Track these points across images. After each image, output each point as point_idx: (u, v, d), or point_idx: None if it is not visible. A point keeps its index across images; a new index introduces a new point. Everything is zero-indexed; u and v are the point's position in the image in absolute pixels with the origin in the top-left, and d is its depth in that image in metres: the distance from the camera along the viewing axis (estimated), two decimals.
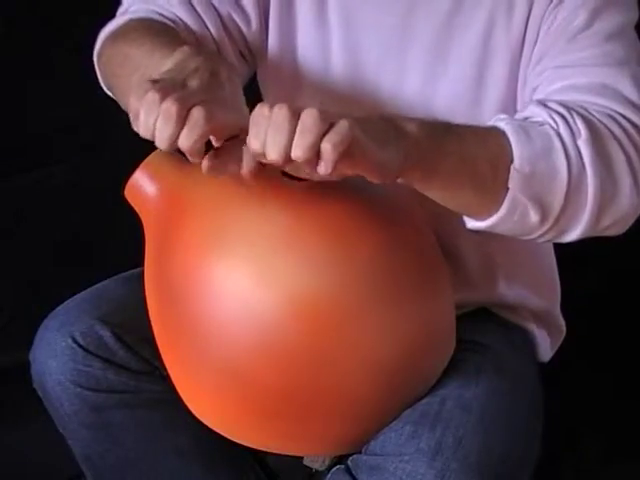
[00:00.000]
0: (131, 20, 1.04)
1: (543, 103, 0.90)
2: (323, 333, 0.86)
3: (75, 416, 1.05)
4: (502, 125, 0.88)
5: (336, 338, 0.86)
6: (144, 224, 0.99)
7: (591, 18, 0.95)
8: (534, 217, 0.88)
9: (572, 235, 0.91)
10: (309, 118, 0.77)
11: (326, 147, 0.77)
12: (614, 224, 0.91)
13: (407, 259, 0.89)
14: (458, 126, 0.87)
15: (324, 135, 0.77)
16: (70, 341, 1.02)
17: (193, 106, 0.80)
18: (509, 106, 1.02)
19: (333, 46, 1.06)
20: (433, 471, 0.86)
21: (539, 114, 0.89)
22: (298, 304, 0.85)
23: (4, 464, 1.41)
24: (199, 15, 1.06)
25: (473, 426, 0.90)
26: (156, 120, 0.80)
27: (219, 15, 1.07)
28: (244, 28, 1.08)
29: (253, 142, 0.79)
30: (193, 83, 0.83)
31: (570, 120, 0.88)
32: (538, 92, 0.96)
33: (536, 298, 1.15)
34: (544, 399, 1.03)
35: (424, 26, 1.02)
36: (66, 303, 1.07)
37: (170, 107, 0.79)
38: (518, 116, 0.92)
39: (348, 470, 0.95)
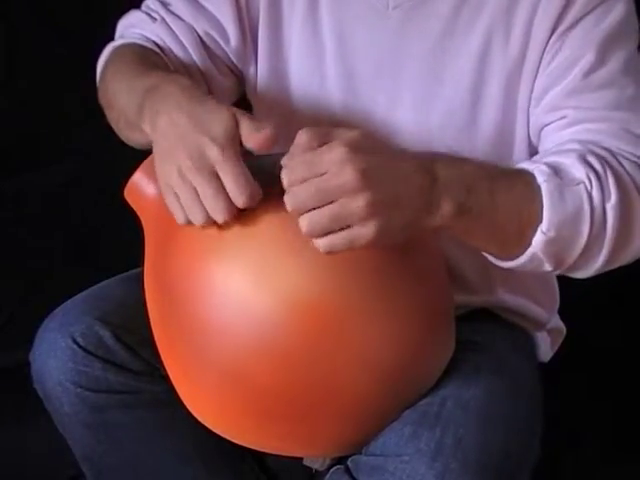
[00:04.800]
0: (116, 51, 1.09)
1: (583, 156, 0.91)
2: (323, 335, 0.86)
3: (75, 416, 1.04)
4: (540, 180, 0.89)
5: (336, 340, 0.86)
6: (144, 225, 0.99)
7: (601, 55, 0.97)
8: (548, 267, 0.92)
9: (582, 275, 0.94)
10: (350, 206, 0.80)
11: (339, 242, 0.82)
12: (625, 263, 0.95)
13: (406, 259, 0.89)
14: (494, 182, 0.88)
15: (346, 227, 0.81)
16: (70, 341, 1.02)
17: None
18: (505, 127, 1.04)
19: (328, 68, 1.07)
20: (433, 472, 0.86)
21: (577, 168, 0.90)
22: (298, 306, 0.85)
23: (4, 464, 1.41)
24: (177, 36, 1.09)
25: (473, 426, 0.90)
26: (196, 202, 0.85)
27: (197, 34, 1.09)
28: (223, 44, 1.09)
29: (290, 200, 0.82)
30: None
31: (604, 180, 0.90)
32: (554, 130, 0.99)
33: (536, 307, 1.16)
34: (544, 399, 1.03)
35: (417, 47, 1.03)
36: (66, 303, 1.07)
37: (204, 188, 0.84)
38: (557, 159, 0.92)
39: (348, 470, 0.95)
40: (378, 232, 0.81)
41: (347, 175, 0.80)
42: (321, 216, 0.81)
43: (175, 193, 0.87)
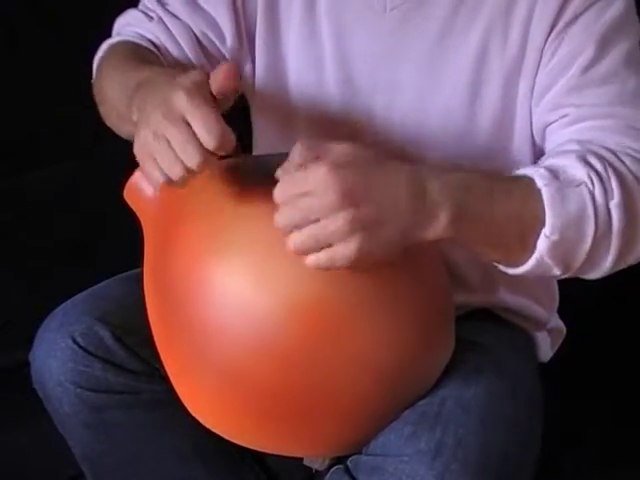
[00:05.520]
0: (111, 48, 1.09)
1: (583, 157, 0.91)
2: (322, 336, 0.86)
3: (75, 416, 1.05)
4: (540, 184, 0.89)
5: (335, 340, 0.86)
6: (143, 225, 0.99)
7: (600, 50, 0.97)
8: (556, 272, 0.91)
9: (592, 276, 0.94)
10: (330, 225, 0.81)
11: (322, 259, 0.82)
12: (634, 261, 0.95)
13: (405, 260, 0.89)
14: (493, 192, 0.87)
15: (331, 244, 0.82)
16: (70, 341, 1.02)
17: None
18: (504, 127, 1.04)
19: (326, 68, 1.07)
20: (433, 472, 0.86)
21: (578, 169, 0.90)
22: (297, 306, 0.85)
23: (4, 464, 1.41)
24: (173, 35, 1.09)
25: (473, 426, 0.90)
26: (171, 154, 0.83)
27: (193, 33, 1.09)
28: (219, 44, 1.10)
29: (277, 220, 0.83)
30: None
31: (605, 180, 0.90)
32: (557, 128, 0.99)
33: (537, 307, 1.16)
34: (544, 399, 1.03)
35: (415, 48, 1.03)
36: (66, 303, 1.07)
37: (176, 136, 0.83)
38: (556, 162, 0.92)
39: (348, 471, 0.95)
40: (359, 250, 0.82)
41: (329, 195, 0.81)
42: (305, 235, 0.82)
43: (150, 154, 0.85)
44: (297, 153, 0.84)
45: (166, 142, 0.84)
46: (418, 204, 0.83)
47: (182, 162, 0.83)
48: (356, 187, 0.82)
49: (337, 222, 0.81)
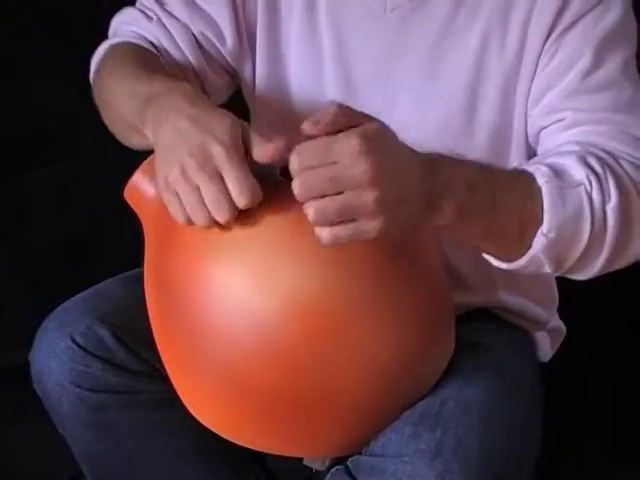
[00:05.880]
0: (112, 49, 1.09)
1: (583, 158, 0.91)
2: (322, 335, 0.86)
3: (75, 416, 1.04)
4: (541, 182, 0.89)
5: (335, 340, 0.86)
6: (143, 225, 0.99)
7: (598, 56, 0.97)
8: (548, 269, 0.91)
9: (581, 277, 0.94)
10: (360, 200, 0.79)
11: (344, 234, 0.80)
12: (624, 265, 0.95)
13: (406, 260, 0.89)
14: (495, 183, 0.88)
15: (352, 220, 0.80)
16: (70, 342, 1.02)
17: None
18: (502, 128, 1.04)
19: (326, 69, 1.07)
20: (433, 472, 0.86)
21: (577, 170, 0.90)
22: (296, 306, 0.85)
23: (4, 464, 1.41)
24: (172, 36, 1.09)
25: (473, 426, 0.90)
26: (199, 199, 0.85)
27: (192, 34, 1.09)
28: (219, 45, 1.10)
29: (299, 185, 0.80)
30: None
31: (604, 182, 0.90)
32: (552, 132, 0.99)
33: (536, 307, 1.16)
34: (544, 399, 1.03)
35: (414, 49, 1.03)
36: (66, 304, 1.07)
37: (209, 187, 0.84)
38: (557, 160, 0.92)
39: (348, 471, 0.95)
40: (383, 228, 0.80)
41: (362, 167, 0.78)
42: (330, 205, 0.79)
43: (176, 192, 0.86)
44: (330, 114, 0.80)
45: (197, 189, 0.85)
46: (430, 190, 0.83)
47: (208, 212, 0.85)
48: (386, 166, 0.79)
49: (368, 197, 0.79)
